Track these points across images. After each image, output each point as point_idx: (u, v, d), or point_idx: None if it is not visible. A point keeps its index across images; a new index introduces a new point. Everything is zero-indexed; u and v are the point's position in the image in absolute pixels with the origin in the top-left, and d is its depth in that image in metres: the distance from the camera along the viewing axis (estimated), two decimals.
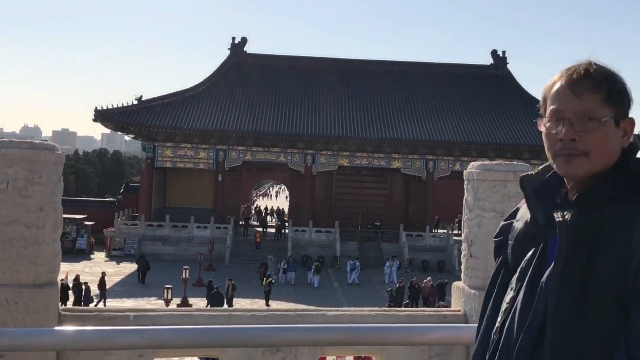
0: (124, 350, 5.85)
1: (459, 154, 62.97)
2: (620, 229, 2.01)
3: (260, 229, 63.77)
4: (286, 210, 76.56)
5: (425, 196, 63.83)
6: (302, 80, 67.73)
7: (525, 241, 2.26)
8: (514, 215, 2.44)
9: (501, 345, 2.19)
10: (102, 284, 38.16)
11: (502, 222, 2.50)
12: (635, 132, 2.27)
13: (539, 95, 2.28)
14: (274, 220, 76.10)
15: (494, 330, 2.27)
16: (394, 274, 49.29)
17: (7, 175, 6.16)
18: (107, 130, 77.25)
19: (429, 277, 43.68)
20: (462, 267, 7.45)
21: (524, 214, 2.33)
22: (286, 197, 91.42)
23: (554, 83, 2.19)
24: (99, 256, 57.33)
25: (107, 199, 76.73)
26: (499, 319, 2.26)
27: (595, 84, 2.10)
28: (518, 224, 2.33)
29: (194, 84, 66.52)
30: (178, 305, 35.13)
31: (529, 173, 2.35)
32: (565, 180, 2.21)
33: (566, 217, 2.10)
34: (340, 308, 7.38)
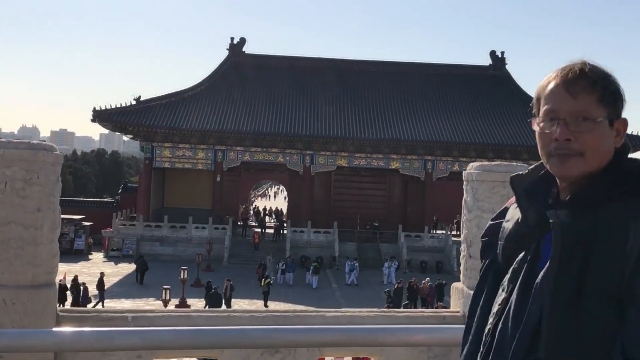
0: (122, 352, 5.83)
1: (458, 154, 62.99)
2: (615, 229, 2.01)
3: (258, 230, 63.80)
4: (284, 211, 76.57)
5: (424, 197, 63.85)
6: (301, 80, 67.74)
7: (516, 242, 2.24)
8: (501, 215, 2.43)
9: (495, 347, 2.17)
10: (100, 284, 38.14)
11: (490, 222, 2.49)
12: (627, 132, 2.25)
13: None
14: (272, 220, 76.08)
15: (485, 332, 2.25)
16: (393, 274, 49.29)
17: (5, 176, 6.14)
18: (106, 131, 77.30)
19: (428, 278, 43.69)
20: (462, 268, 7.45)
21: (514, 214, 2.31)
22: (285, 198, 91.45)
23: (548, 82, 2.18)
24: (97, 257, 57.29)
25: (105, 200, 76.66)
26: (490, 320, 2.24)
27: (590, 84, 2.09)
28: (508, 224, 2.31)
29: (193, 85, 66.50)
30: (176, 306, 35.10)
31: (519, 173, 2.34)
32: (558, 181, 2.20)
33: (560, 217, 2.09)
34: (339, 309, 7.37)
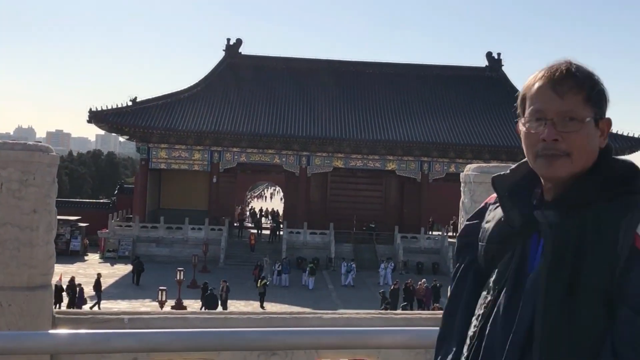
0: (119, 354, 5.81)
1: (454, 155, 63.05)
2: (605, 230, 2.01)
3: (254, 231, 63.79)
4: (281, 212, 76.57)
5: (420, 198, 63.91)
6: (297, 81, 67.78)
7: (500, 242, 2.23)
8: (478, 215, 2.42)
9: (484, 350, 2.15)
10: (97, 285, 38.09)
11: (466, 222, 2.47)
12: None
13: None
14: (268, 222, 76.07)
15: (470, 335, 2.22)
16: (389, 275, 49.34)
17: (0, 177, 6.12)
18: (102, 132, 77.29)
19: (424, 279, 43.76)
20: None
21: (495, 214, 2.30)
22: (281, 199, 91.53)
23: (534, 82, 2.16)
24: (93, 258, 57.24)
25: (102, 201, 76.59)
26: (475, 322, 2.22)
27: (577, 84, 2.09)
28: (489, 225, 2.30)
29: (189, 85, 66.49)
30: (172, 307, 35.10)
31: (501, 173, 2.32)
32: (542, 181, 2.19)
33: (549, 218, 2.09)
34: (337, 311, 7.37)
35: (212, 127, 61.10)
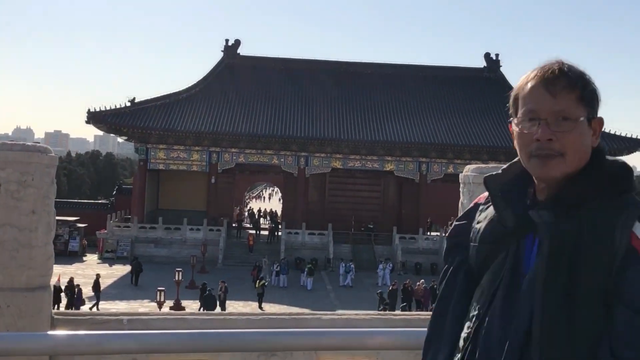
0: (118, 355, 5.80)
1: (452, 156, 63.06)
2: (601, 229, 2.01)
3: (253, 232, 63.77)
4: (279, 213, 76.54)
5: (419, 199, 63.90)
6: (296, 82, 67.76)
7: (493, 243, 2.22)
8: (468, 216, 2.41)
9: (479, 352, 2.13)
10: (96, 286, 38.07)
11: (455, 223, 2.47)
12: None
13: None
14: (267, 222, 76.04)
15: (464, 337, 2.21)
16: (387, 276, 49.33)
17: None
18: (100, 132, 77.26)
19: (422, 280, 43.75)
20: None
21: (487, 214, 2.29)
22: (279, 200, 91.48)
23: (526, 82, 2.16)
24: (92, 258, 57.21)
25: (100, 201, 76.53)
26: (468, 324, 2.21)
27: (570, 84, 2.09)
28: (480, 225, 2.29)
29: (187, 86, 66.46)
30: (171, 308, 35.09)
31: (493, 173, 2.31)
32: (536, 181, 2.19)
33: (545, 218, 2.09)
34: (336, 312, 7.36)
35: (210, 127, 61.08)
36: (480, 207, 2.37)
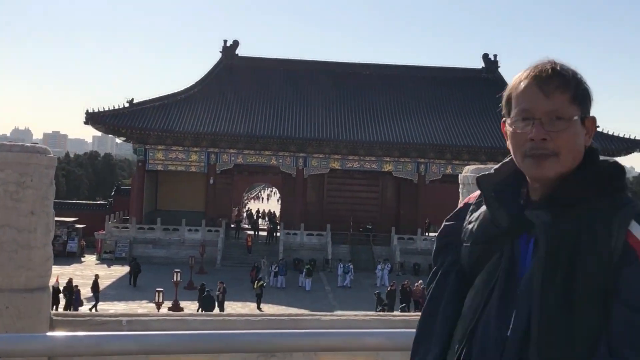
0: (117, 357, 5.79)
1: (451, 157, 63.10)
2: (598, 228, 2.02)
3: (251, 232, 63.78)
4: (278, 213, 76.56)
5: (417, 199, 63.92)
6: (294, 83, 67.77)
7: (487, 243, 2.21)
8: (458, 216, 2.40)
9: (475, 352, 2.13)
10: (95, 286, 38.04)
11: (445, 223, 2.45)
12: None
13: None
14: (265, 223, 76.06)
15: (459, 338, 2.19)
16: (386, 277, 49.34)
17: None
18: (99, 133, 77.17)
19: (420, 280, 43.68)
20: None
21: (479, 214, 2.28)
22: (278, 200, 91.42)
23: (519, 82, 2.16)
24: (90, 259, 57.19)
25: (98, 202, 76.55)
26: (463, 324, 2.19)
27: (563, 83, 2.09)
28: (472, 225, 2.28)
29: (186, 87, 66.43)
30: (169, 309, 35.08)
31: (486, 173, 2.31)
32: (529, 181, 2.18)
33: (541, 217, 2.09)
34: (335, 312, 7.36)
35: (209, 128, 61.08)
36: (471, 207, 2.36)
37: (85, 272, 48.00)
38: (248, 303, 39.63)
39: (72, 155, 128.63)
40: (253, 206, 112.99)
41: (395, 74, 70.97)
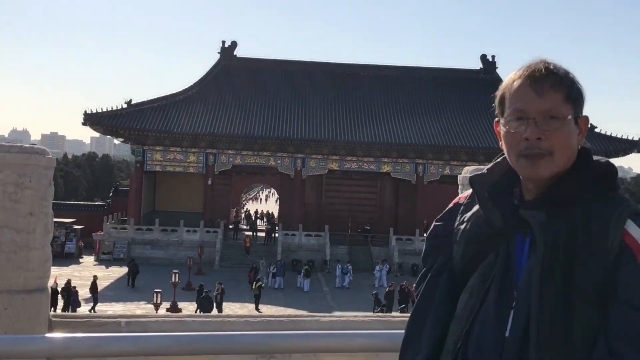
0: (116, 358, 5.79)
1: (449, 158, 63.13)
2: (595, 227, 2.02)
3: (250, 233, 63.78)
4: (276, 214, 76.57)
5: (415, 200, 63.97)
6: (292, 84, 67.80)
7: (480, 243, 2.20)
8: (449, 216, 2.39)
9: (472, 353, 2.12)
10: (94, 287, 38.01)
11: (436, 223, 2.44)
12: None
13: None
14: (263, 224, 76.05)
15: (454, 340, 2.17)
16: (384, 277, 49.37)
17: None
18: (97, 134, 77.16)
19: None
20: None
21: (472, 214, 2.27)
22: (276, 201, 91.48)
23: (512, 82, 2.16)
24: (88, 260, 57.16)
25: (96, 203, 76.52)
26: (458, 325, 2.18)
27: (557, 82, 2.10)
28: (465, 226, 2.27)
29: (184, 88, 66.43)
30: (167, 310, 35.08)
31: (479, 173, 2.30)
32: (524, 181, 2.18)
33: (537, 217, 2.08)
34: (334, 313, 7.35)
35: (207, 129, 61.09)
36: (462, 208, 2.35)
37: (84, 273, 47.96)
38: (246, 304, 39.63)
39: (70, 156, 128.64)
40: (251, 207, 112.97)
41: (393, 74, 71.03)
